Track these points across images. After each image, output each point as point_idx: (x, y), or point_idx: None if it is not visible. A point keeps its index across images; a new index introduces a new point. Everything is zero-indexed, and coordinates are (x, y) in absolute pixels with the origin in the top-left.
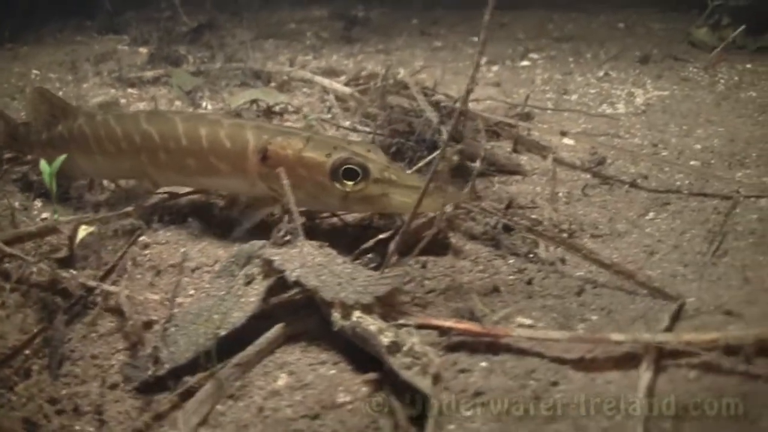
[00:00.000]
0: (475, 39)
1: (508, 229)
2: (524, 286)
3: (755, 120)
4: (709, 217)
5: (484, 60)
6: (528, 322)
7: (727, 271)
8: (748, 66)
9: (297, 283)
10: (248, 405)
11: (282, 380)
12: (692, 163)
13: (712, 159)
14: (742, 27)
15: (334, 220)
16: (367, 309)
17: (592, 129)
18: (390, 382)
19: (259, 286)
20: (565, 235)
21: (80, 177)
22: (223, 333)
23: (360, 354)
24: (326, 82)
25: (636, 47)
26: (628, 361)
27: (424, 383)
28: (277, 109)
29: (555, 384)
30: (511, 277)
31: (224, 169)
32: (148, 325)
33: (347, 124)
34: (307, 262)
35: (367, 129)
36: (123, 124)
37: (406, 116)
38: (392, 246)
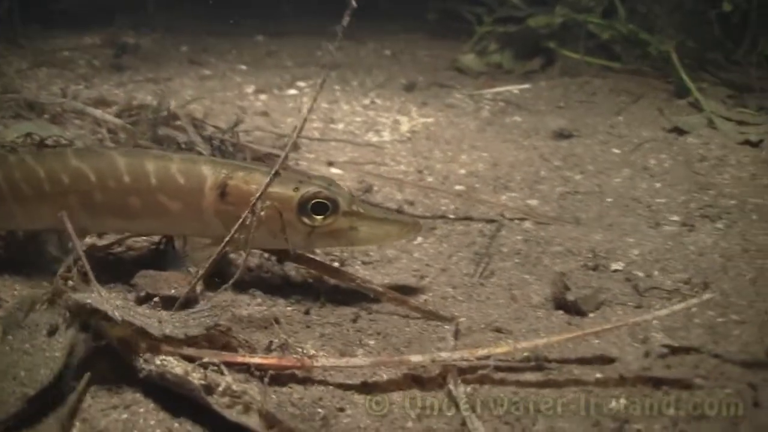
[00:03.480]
0: (244, 67)
1: (281, 260)
2: (302, 317)
3: (519, 144)
4: (475, 240)
5: (251, 89)
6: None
7: (495, 291)
8: (515, 92)
9: (124, 322)
10: None
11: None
12: (457, 187)
13: (476, 183)
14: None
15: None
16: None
17: (359, 157)
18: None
19: (63, 339)
20: (336, 264)
21: None
22: (31, 393)
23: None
24: (98, 113)
25: (402, 75)
26: (409, 382)
27: (252, 421)
28: (50, 142)
29: (341, 410)
30: (289, 308)
31: (175, 209)
32: None
33: None
34: (119, 305)
35: None
36: (45, 163)
37: (178, 149)
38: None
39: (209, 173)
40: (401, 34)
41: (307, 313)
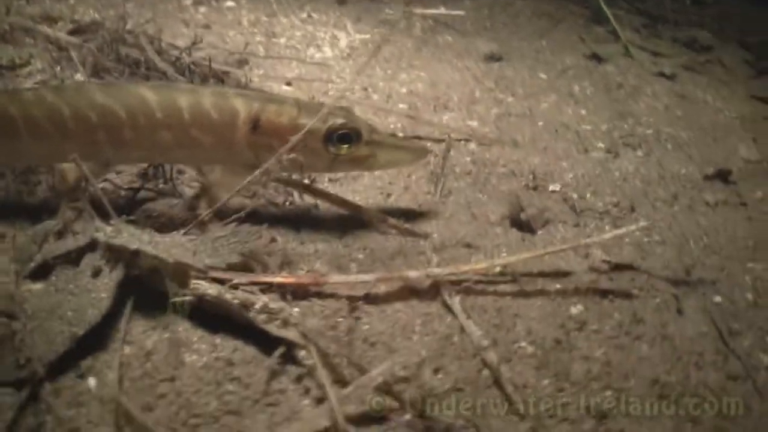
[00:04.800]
0: None
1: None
2: (295, 235)
3: (454, 65)
4: (430, 159)
5: (189, 1)
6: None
7: (456, 209)
8: (442, 8)
9: (156, 258)
10: None
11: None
12: (401, 106)
13: (418, 102)
14: None
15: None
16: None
17: (306, 74)
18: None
19: (108, 280)
20: (306, 181)
21: None
22: (80, 333)
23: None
24: (50, 31)
25: None
26: (406, 293)
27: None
28: (3, 62)
29: (358, 318)
30: (282, 229)
31: (208, 142)
32: None
33: (78, 77)
34: (145, 238)
35: None
36: (67, 99)
37: (142, 70)
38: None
39: (242, 107)
40: None
41: (298, 231)
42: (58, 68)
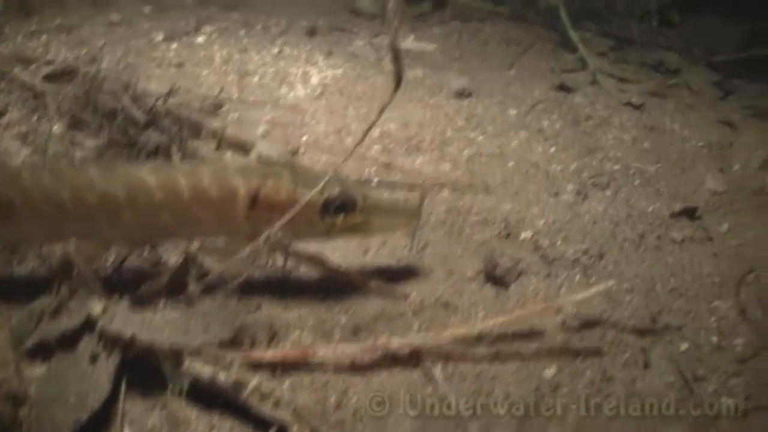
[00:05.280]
0: (147, 9)
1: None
2: (279, 300)
3: (425, 103)
4: None
5: (161, 36)
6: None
7: (433, 264)
8: (411, 38)
9: (151, 343)
10: None
11: None
12: (375, 147)
13: (391, 144)
14: None
15: None
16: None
17: (281, 116)
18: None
19: (106, 365)
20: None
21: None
22: (84, 418)
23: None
24: (26, 77)
25: (302, 17)
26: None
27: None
28: None
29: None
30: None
31: (207, 219)
32: None
33: (55, 129)
34: (137, 320)
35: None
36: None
37: (119, 120)
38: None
39: (240, 184)
40: None
41: (282, 296)
42: (35, 118)
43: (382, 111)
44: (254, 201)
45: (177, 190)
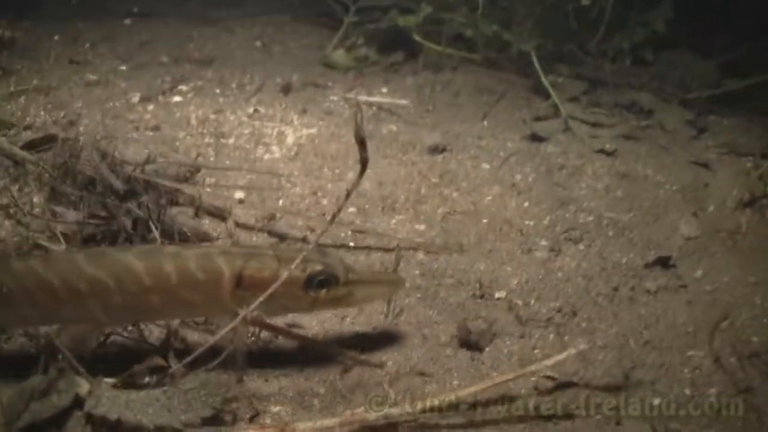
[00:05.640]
0: (123, 67)
1: None
2: (259, 371)
3: (399, 160)
4: None
5: (137, 97)
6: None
7: (408, 331)
8: (384, 90)
9: (138, 425)
10: None
11: None
12: (350, 209)
13: (366, 204)
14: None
15: None
16: None
17: (257, 180)
18: None
19: None
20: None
21: None
22: None
23: None
24: (5, 145)
25: (277, 73)
26: None
27: None
28: None
29: None
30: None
31: (195, 301)
32: None
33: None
34: (122, 399)
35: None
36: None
37: (98, 191)
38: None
39: (225, 267)
40: (264, 16)
41: (262, 367)
42: (16, 187)
43: (349, 194)
44: (239, 281)
45: (164, 275)
